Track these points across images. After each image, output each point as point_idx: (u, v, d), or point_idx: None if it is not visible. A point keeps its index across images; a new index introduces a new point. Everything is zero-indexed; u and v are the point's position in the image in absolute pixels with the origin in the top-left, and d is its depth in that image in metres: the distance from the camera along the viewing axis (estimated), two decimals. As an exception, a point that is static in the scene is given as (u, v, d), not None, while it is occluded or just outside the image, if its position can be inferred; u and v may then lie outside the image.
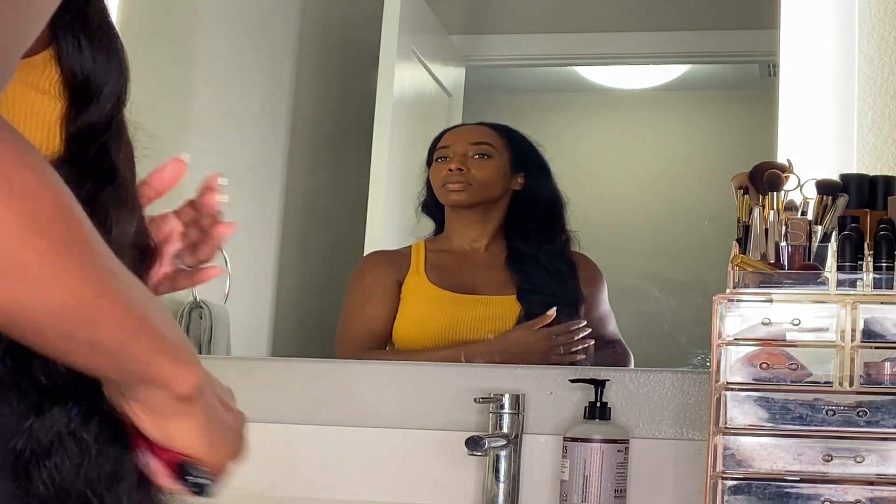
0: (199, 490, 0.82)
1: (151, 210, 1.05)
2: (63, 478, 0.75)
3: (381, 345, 2.08)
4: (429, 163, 2.16)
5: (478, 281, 2.10)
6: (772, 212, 1.58)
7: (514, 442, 1.80)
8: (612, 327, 2.07)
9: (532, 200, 2.13)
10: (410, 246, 2.14)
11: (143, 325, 0.73)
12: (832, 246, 1.55)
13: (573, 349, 2.00)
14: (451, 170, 2.12)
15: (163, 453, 0.80)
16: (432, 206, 2.16)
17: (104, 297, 0.70)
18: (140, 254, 0.84)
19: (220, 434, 0.82)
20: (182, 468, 0.81)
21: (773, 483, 1.47)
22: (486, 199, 2.12)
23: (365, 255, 2.22)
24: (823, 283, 1.52)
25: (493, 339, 2.03)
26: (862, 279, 1.51)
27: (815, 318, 1.49)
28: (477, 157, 2.13)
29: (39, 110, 0.79)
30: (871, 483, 1.45)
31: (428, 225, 2.18)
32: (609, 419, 1.77)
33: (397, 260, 2.13)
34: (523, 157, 2.15)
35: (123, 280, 0.72)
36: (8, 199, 0.64)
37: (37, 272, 0.66)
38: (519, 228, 2.12)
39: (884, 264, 1.50)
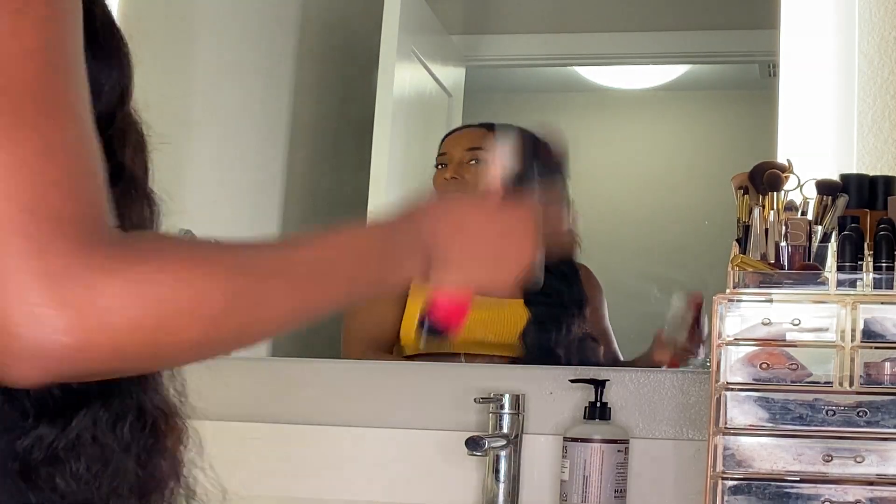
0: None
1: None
2: (81, 484, 0.73)
3: (391, 345, 2.05)
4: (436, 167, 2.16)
5: None
6: (772, 212, 1.58)
7: (514, 442, 1.80)
8: (613, 350, 2.06)
9: None
10: (416, 244, 2.12)
11: (357, 276, 0.84)
12: (832, 246, 1.55)
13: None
14: (446, 179, 2.11)
15: (451, 304, 1.02)
16: None
17: (314, 294, 0.79)
18: None
19: (492, 254, 1.00)
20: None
21: (773, 483, 1.47)
22: None
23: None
24: (823, 283, 1.52)
25: None
26: (862, 279, 1.51)
27: (815, 318, 1.49)
28: (473, 162, 2.11)
29: None
30: (871, 483, 1.45)
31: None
32: (609, 419, 1.77)
33: None
34: None
35: (313, 265, 0.79)
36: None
37: (257, 318, 0.74)
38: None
39: (884, 264, 1.50)
